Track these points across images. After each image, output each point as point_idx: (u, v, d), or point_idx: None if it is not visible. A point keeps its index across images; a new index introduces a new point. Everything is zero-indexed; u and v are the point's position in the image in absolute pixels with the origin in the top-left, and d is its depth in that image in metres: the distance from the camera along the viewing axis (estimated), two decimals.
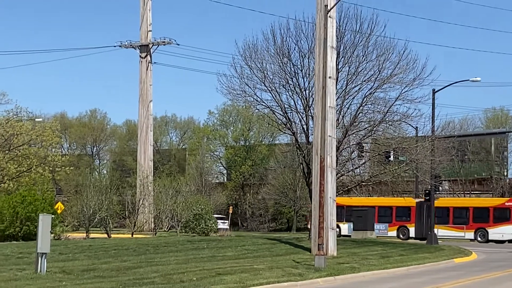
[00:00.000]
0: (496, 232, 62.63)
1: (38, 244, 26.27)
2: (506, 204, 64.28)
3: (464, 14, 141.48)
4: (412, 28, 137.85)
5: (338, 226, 69.83)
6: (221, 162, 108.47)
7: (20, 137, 65.20)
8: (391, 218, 70.59)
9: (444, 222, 66.87)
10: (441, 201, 67.09)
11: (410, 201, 68.91)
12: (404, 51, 47.80)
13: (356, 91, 48.80)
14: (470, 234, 65.61)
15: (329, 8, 37.55)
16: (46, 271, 26.29)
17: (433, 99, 55.20)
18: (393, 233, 68.93)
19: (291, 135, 53.63)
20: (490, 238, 63.93)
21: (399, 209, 69.34)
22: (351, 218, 68.44)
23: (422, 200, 64.14)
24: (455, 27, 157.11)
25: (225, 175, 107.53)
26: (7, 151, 64.54)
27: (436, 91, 55.64)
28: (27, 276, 25.23)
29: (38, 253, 26.39)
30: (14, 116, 65.97)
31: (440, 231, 64.86)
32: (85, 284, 23.33)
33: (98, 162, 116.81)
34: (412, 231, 67.39)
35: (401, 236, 67.62)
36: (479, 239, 64.86)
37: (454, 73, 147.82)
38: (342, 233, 68.99)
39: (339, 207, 73.31)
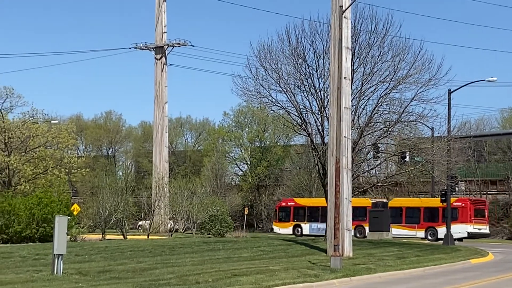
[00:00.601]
0: (445, 231, 62.15)
1: (55, 245, 26.33)
2: (454, 204, 64.98)
3: (481, 13, 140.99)
4: (428, 28, 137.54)
5: (299, 226, 71.08)
6: (236, 164, 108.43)
7: (36, 139, 65.42)
8: None
9: (398, 221, 68.68)
10: (394, 202, 70.57)
11: (366, 202, 70.27)
12: (419, 51, 47.73)
13: (371, 92, 48.75)
14: (421, 233, 66.97)
15: (344, 8, 37.51)
16: (62, 272, 26.35)
17: (449, 99, 55.00)
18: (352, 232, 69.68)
19: (306, 136, 53.58)
20: (439, 236, 65.00)
21: (356, 209, 70.64)
22: (311, 218, 71.57)
23: (378, 200, 68.64)
24: (471, 26, 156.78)
25: (240, 176, 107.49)
26: (23, 153, 64.77)
27: (452, 91, 55.45)
28: (43, 278, 25.30)
29: (54, 254, 26.44)
30: (30, 118, 66.20)
31: (394, 230, 67.16)
32: (101, 285, 23.37)
33: (114, 164, 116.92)
34: (367, 230, 68.51)
35: (358, 235, 68.65)
36: (429, 237, 66.21)
37: (470, 73, 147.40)
38: (304, 233, 70.22)
39: (301, 208, 74.81)
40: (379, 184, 56.44)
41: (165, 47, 70.98)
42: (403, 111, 48.66)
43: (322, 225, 66.68)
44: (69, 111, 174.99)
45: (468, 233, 64.71)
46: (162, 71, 70.92)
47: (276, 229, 76.31)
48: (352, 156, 41.14)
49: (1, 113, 64.91)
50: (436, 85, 48.30)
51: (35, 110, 66.84)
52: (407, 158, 51.80)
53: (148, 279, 25.32)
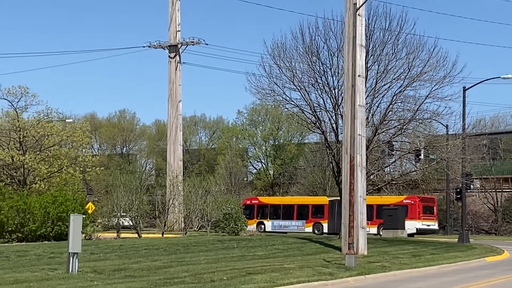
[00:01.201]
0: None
1: (70, 244, 26.40)
2: (404, 201, 67.78)
3: (496, 10, 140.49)
4: (442, 25, 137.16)
5: (262, 223, 71.46)
6: (250, 162, 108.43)
7: (51, 138, 65.55)
8: (308, 215, 73.18)
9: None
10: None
11: (323, 200, 72.29)
12: (434, 49, 47.57)
13: (385, 89, 48.61)
14: (374, 229, 67.88)
15: (358, 6, 37.45)
16: (77, 271, 26.41)
17: (464, 96, 54.84)
18: (309, 229, 71.03)
19: (320, 134, 53.50)
20: (324, 231, 68.28)
21: (314, 207, 71.42)
22: (274, 215, 73.02)
23: (334, 198, 67.93)
24: (486, 23, 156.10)
25: (254, 174, 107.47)
26: (38, 152, 64.93)
27: (467, 89, 55.30)
28: (59, 276, 25.37)
29: (69, 253, 26.51)
30: (45, 117, 66.32)
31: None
32: (116, 283, 23.41)
33: (128, 162, 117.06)
34: (325, 227, 69.55)
35: (316, 231, 69.84)
36: (381, 233, 67.47)
37: (485, 70, 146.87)
38: (266, 230, 71.57)
39: (264, 206, 75.24)
40: (393, 182, 56.30)
41: (179, 45, 71.03)
42: (417, 108, 48.53)
43: (283, 222, 72.10)
44: (84, 110, 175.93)
45: (416, 229, 66.25)
46: (176, 69, 70.99)
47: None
48: (366, 154, 41.06)
49: (16, 112, 65.05)
50: (451, 82, 48.16)
51: (50, 109, 66.99)
52: (422, 156, 51.67)
53: (163, 278, 25.35)
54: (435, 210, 71.39)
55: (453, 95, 48.88)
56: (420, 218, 66.39)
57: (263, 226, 73.68)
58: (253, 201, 77.27)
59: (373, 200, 69.54)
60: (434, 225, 70.40)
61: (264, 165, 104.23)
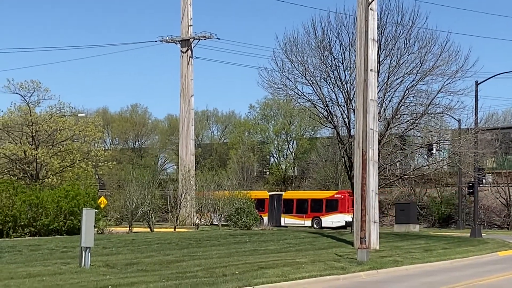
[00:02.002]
0: (327, 220, 70.01)
1: (82, 238, 26.46)
2: (335, 196, 71.55)
3: (508, 4, 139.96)
4: (455, 19, 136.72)
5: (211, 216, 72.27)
6: (262, 156, 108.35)
7: (63, 132, 65.69)
8: None
9: (290, 212, 73.32)
10: (287, 194, 76.74)
11: (264, 194, 75.96)
12: (446, 43, 47.52)
13: (397, 84, 48.60)
14: (308, 222, 71.22)
15: (370, 0, 37.37)
16: (90, 265, 26.48)
17: (476, 91, 54.65)
18: None
19: (332, 128, 53.52)
20: (323, 225, 70.00)
21: (256, 201, 72.26)
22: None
23: (275, 193, 76.79)
24: (498, 17, 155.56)
25: (267, 169, 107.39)
26: (50, 147, 65.08)
27: (479, 83, 55.07)
28: (71, 270, 25.44)
29: (82, 247, 26.57)
30: (57, 112, 66.44)
31: (286, 220, 72.88)
32: (128, 277, 23.46)
33: (140, 157, 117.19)
34: (265, 220, 70.63)
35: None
36: (315, 226, 69.95)
37: (497, 64, 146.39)
38: (213, 222, 70.79)
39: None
40: (405, 177, 56.22)
41: (191, 40, 71.00)
42: (429, 103, 48.47)
43: None
44: (96, 105, 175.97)
45: (346, 222, 67.77)
46: (188, 64, 70.97)
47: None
48: (378, 149, 41.03)
49: (29, 106, 65.20)
50: (463, 76, 48.09)
51: (62, 104, 67.08)
52: (434, 150, 51.58)
53: (175, 272, 25.40)
54: None
55: (465, 89, 48.85)
56: (349, 212, 66.98)
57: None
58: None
59: (308, 194, 75.98)
60: None
61: (276, 160, 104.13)
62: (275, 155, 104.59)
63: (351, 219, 68.54)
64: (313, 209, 72.11)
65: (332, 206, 71.53)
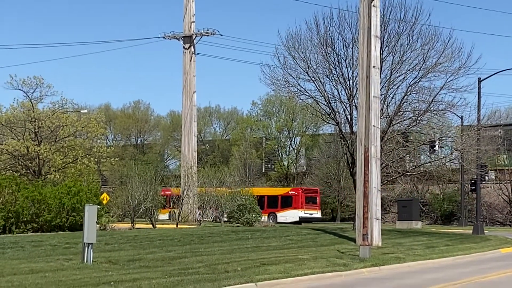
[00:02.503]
0: (282, 215, 72.30)
1: (84, 234, 26.47)
2: (290, 192, 74.42)
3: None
4: (458, 16, 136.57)
5: (174, 212, 72.17)
6: (264, 153, 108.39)
7: (65, 128, 65.73)
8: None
9: None
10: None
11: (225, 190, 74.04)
12: (449, 40, 47.56)
13: (400, 81, 48.62)
14: (265, 218, 70.71)
15: None
16: (92, 261, 26.48)
17: (479, 88, 54.65)
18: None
19: (335, 125, 53.54)
20: (278, 220, 71.25)
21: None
22: (176, 205, 72.24)
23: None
24: (501, 14, 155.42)
25: (269, 165, 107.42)
26: (53, 143, 65.10)
27: (482, 80, 55.08)
28: (73, 266, 25.46)
29: (84, 243, 26.58)
30: (60, 108, 66.46)
31: None
32: (131, 274, 23.48)
33: (143, 153, 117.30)
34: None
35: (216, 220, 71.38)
36: (271, 221, 69.88)
37: (500, 61, 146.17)
38: (160, 218, 71.05)
39: (175, 196, 75.35)
40: (407, 173, 56.22)
41: (194, 36, 70.93)
42: (432, 100, 48.48)
43: None
44: (98, 101, 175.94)
45: (299, 217, 70.30)
46: (190, 60, 70.90)
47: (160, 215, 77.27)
48: (381, 145, 41.03)
49: (31, 102, 65.20)
50: (466, 73, 48.13)
51: (65, 100, 67.07)
52: (437, 147, 51.57)
53: (177, 268, 25.41)
54: (318, 200, 76.67)
55: (468, 86, 48.87)
56: (302, 208, 70.71)
57: (174, 214, 74.67)
58: (166, 192, 77.45)
59: (265, 191, 76.92)
60: (316, 214, 75.50)
61: (278, 156, 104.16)
62: (278, 152, 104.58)
63: (304, 215, 72.88)
64: (269, 205, 73.44)
65: (286, 202, 74.02)
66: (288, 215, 71.53)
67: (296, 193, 73.99)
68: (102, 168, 75.29)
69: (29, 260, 27.81)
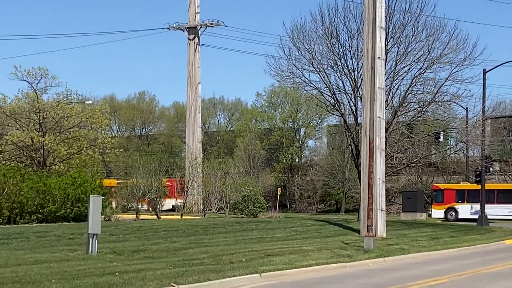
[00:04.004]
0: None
1: (89, 225, 26.48)
2: (167, 183, 69.96)
3: None
4: (463, 7, 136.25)
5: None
6: (268, 144, 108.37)
7: (70, 119, 65.79)
8: None
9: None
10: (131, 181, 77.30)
11: (113, 182, 71.60)
12: (454, 31, 47.42)
13: (405, 72, 48.51)
14: (145, 206, 68.67)
15: None
16: (97, 251, 26.51)
17: (484, 79, 54.49)
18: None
19: (339, 116, 53.49)
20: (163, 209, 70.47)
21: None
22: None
23: (122, 181, 73.26)
24: (506, 5, 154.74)
25: (273, 156, 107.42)
26: (57, 134, 65.18)
27: (487, 71, 54.93)
28: (78, 257, 25.49)
29: (89, 234, 26.60)
30: (64, 99, 66.52)
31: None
32: (135, 264, 23.51)
33: (147, 144, 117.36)
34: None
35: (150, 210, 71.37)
36: (150, 209, 67.10)
37: (505, 52, 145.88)
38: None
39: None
40: (412, 165, 56.17)
41: (198, 27, 70.93)
42: (437, 91, 48.39)
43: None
44: (103, 92, 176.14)
45: (172, 205, 68.10)
46: (195, 51, 70.93)
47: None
48: (385, 137, 40.99)
49: (36, 93, 65.25)
50: (471, 64, 48.00)
51: (69, 91, 67.17)
52: (441, 139, 51.51)
53: (182, 259, 25.43)
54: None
55: (473, 78, 48.81)
56: (176, 197, 68.58)
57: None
58: None
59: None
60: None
61: (283, 148, 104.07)
62: (282, 143, 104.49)
63: (177, 203, 69.97)
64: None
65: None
66: (164, 204, 68.24)
67: (170, 184, 70.37)
68: (107, 159, 75.30)
69: (34, 250, 27.87)
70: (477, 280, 23.75)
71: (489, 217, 58.95)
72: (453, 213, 68.99)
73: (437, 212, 71.16)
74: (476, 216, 61.36)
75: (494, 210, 65.45)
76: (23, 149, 64.38)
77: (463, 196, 69.29)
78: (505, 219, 64.61)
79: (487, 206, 59.77)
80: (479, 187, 59.12)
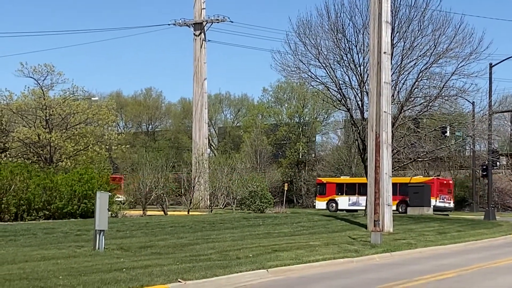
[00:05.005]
0: None
1: (96, 221, 26.48)
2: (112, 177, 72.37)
3: None
4: (469, 1, 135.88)
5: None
6: (275, 139, 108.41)
7: (76, 116, 65.85)
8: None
9: None
10: None
11: None
12: (460, 25, 47.35)
13: (411, 66, 48.47)
14: None
15: None
16: (104, 248, 26.52)
17: (490, 73, 54.44)
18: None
19: (346, 111, 53.48)
20: None
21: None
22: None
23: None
24: None
25: (280, 152, 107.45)
26: (64, 130, 65.24)
27: (494, 65, 54.86)
28: (85, 253, 25.51)
29: (96, 230, 26.60)
30: (71, 95, 66.57)
31: None
32: (142, 260, 23.52)
33: (154, 140, 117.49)
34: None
35: None
36: None
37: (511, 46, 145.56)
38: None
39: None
40: (419, 159, 56.13)
41: (204, 23, 70.91)
42: (443, 85, 48.34)
43: None
44: (109, 88, 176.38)
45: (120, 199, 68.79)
46: (201, 47, 70.92)
47: None
48: (392, 131, 40.95)
49: (42, 90, 65.33)
50: (477, 59, 47.93)
51: (76, 87, 67.20)
52: (448, 133, 51.45)
53: (189, 255, 25.44)
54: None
55: (479, 72, 48.72)
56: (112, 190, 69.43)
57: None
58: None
59: None
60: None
61: (289, 143, 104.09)
62: (289, 139, 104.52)
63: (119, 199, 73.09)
64: None
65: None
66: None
67: (117, 178, 71.67)
68: (113, 155, 75.38)
69: (41, 247, 27.90)
70: (484, 274, 23.73)
71: (363, 207, 62.65)
72: (334, 205, 72.58)
73: (320, 204, 75.71)
74: (354, 207, 68.99)
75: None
76: (30, 146, 64.46)
77: (342, 189, 73.90)
78: None
79: (362, 198, 64.30)
80: (356, 180, 68.31)
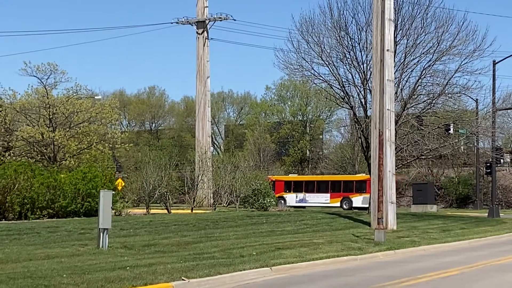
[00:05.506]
0: None
1: (100, 220, 26.48)
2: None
3: None
4: None
5: None
6: (278, 137, 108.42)
7: (80, 114, 65.94)
8: None
9: None
10: None
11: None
12: (463, 22, 47.26)
13: (414, 64, 48.39)
14: None
15: None
16: (108, 246, 26.52)
17: (494, 70, 54.34)
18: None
19: (349, 109, 53.40)
20: None
21: None
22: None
23: None
24: None
25: (283, 150, 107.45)
26: (67, 129, 65.34)
27: (497, 62, 54.78)
28: (89, 251, 25.52)
29: (99, 228, 26.59)
30: (74, 94, 66.68)
31: None
32: (146, 259, 23.53)
33: (157, 138, 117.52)
34: None
35: None
36: None
37: None
38: None
39: None
40: (422, 157, 56.08)
41: (207, 21, 70.89)
42: (447, 83, 48.29)
43: None
44: (112, 87, 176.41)
45: None
46: (204, 45, 70.90)
47: None
48: (395, 129, 40.92)
49: (46, 89, 65.42)
50: (481, 56, 47.85)
51: (79, 86, 67.35)
52: (451, 131, 51.41)
53: (192, 253, 25.44)
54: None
55: (482, 69, 48.60)
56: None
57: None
58: None
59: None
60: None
61: (292, 141, 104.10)
62: (292, 137, 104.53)
63: None
64: None
65: None
66: None
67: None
68: (117, 153, 75.53)
69: (45, 245, 27.92)
70: (488, 272, 23.72)
71: (309, 204, 69.03)
72: (282, 201, 72.66)
73: None
74: (301, 204, 72.00)
75: (314, 198, 73.18)
76: (34, 145, 64.55)
77: (290, 187, 75.54)
78: (322, 206, 70.79)
79: (308, 194, 72.23)
80: (302, 178, 73.46)
